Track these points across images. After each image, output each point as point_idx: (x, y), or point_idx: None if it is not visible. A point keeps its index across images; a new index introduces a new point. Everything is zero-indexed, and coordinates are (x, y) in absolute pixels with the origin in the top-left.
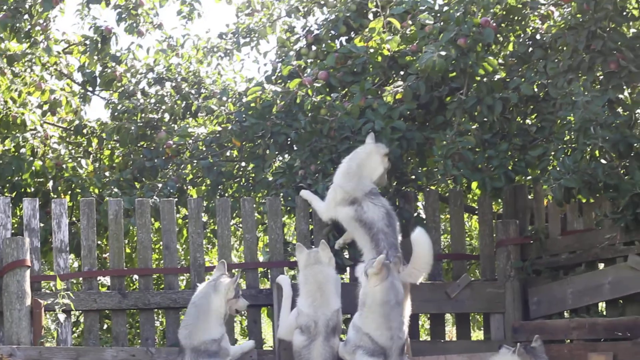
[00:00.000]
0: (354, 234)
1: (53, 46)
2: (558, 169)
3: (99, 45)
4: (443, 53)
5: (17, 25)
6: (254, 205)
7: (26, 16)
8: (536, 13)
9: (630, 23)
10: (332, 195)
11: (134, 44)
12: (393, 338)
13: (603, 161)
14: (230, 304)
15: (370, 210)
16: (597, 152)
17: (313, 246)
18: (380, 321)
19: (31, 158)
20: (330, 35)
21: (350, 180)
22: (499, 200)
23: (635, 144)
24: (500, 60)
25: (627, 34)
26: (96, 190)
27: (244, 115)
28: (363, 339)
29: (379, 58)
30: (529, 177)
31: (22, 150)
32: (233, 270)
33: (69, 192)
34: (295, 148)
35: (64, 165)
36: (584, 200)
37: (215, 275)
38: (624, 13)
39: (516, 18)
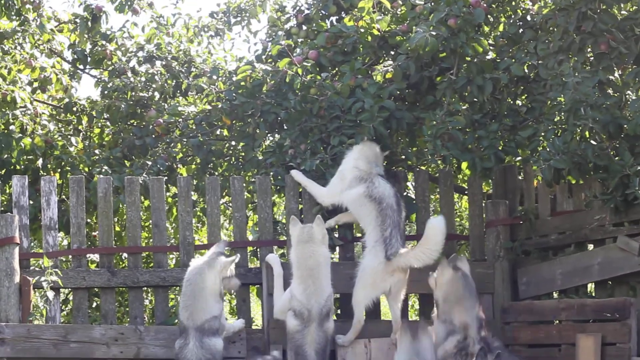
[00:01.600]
0: (360, 212)
1: (46, 23)
2: (548, 149)
3: (89, 23)
4: (434, 33)
5: (9, 2)
6: (244, 184)
7: None
8: None
9: (621, 4)
10: (339, 178)
11: (129, 21)
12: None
13: (593, 142)
14: (225, 283)
15: (381, 186)
16: (587, 133)
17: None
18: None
19: (20, 135)
20: (320, 14)
21: (364, 162)
22: (489, 180)
23: (625, 125)
24: (490, 41)
25: (617, 15)
26: (86, 169)
27: (234, 94)
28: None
29: (369, 38)
30: (519, 158)
31: (12, 127)
32: (225, 249)
33: (59, 170)
34: (285, 127)
35: (53, 143)
36: (573, 182)
37: (211, 252)
38: None
39: None
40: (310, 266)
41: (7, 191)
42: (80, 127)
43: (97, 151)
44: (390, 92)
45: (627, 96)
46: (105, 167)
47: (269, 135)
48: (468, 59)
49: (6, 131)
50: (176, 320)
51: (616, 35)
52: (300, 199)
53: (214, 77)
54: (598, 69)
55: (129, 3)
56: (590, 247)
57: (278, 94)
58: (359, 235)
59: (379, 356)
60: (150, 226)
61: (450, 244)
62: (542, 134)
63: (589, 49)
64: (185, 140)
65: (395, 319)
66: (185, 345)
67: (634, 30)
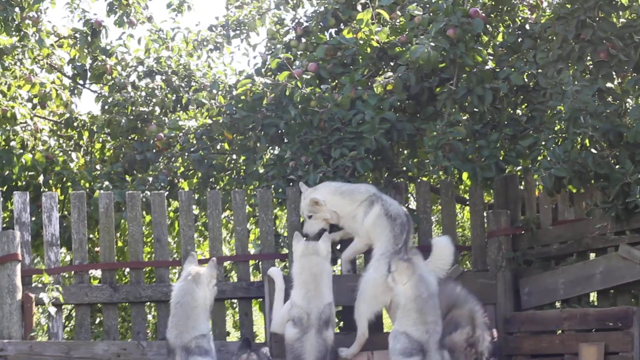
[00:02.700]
0: (375, 228)
1: (45, 38)
2: (548, 158)
3: (89, 38)
4: (433, 44)
5: (8, 18)
6: (245, 198)
7: (17, 9)
8: (525, 3)
9: (620, 12)
10: (351, 219)
11: (125, 34)
12: (429, 332)
13: (594, 151)
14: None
15: (394, 204)
16: (587, 141)
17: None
18: (416, 317)
19: (21, 151)
20: (319, 27)
21: (363, 187)
22: (490, 190)
23: (625, 133)
24: (489, 51)
25: (616, 23)
26: (87, 184)
27: (234, 108)
28: (400, 339)
29: (368, 49)
30: (520, 167)
31: (12, 143)
32: (225, 263)
33: (60, 186)
34: (285, 140)
35: (54, 159)
36: (574, 190)
37: (188, 269)
38: (614, 2)
39: (505, 8)
40: (314, 272)
41: (9, 207)
42: (81, 142)
43: (98, 166)
44: (391, 104)
45: (626, 104)
46: (107, 183)
47: (269, 148)
48: (468, 69)
49: (7, 147)
50: None
51: (615, 43)
52: None
53: (214, 91)
54: (598, 77)
55: (127, 17)
56: (592, 256)
57: (278, 107)
58: None
59: None
60: (152, 241)
61: None
62: (543, 143)
63: (589, 57)
64: (186, 154)
65: None
66: None
67: (633, 38)
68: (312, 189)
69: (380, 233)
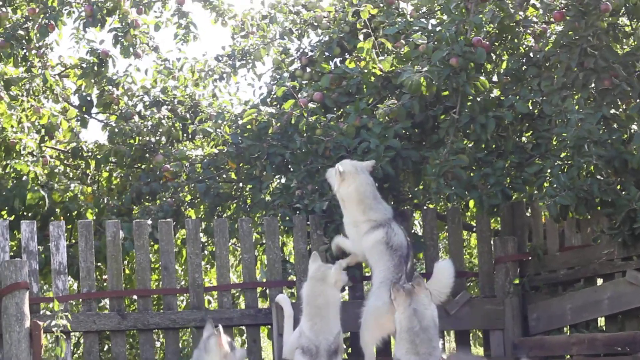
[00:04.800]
0: (373, 255)
1: (49, 75)
2: (554, 185)
3: (96, 68)
4: (421, 72)
5: (13, 53)
6: (252, 226)
7: (23, 42)
8: (529, 31)
9: (624, 40)
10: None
11: (132, 65)
12: None
13: (599, 177)
14: (229, 358)
15: (399, 234)
16: (592, 168)
17: None
18: (408, 347)
19: (32, 185)
20: (324, 56)
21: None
22: (497, 217)
23: (630, 160)
24: (494, 78)
25: (619, 51)
26: (92, 216)
27: (240, 138)
28: None
29: (372, 78)
30: (526, 194)
31: (24, 178)
32: (232, 291)
33: (67, 215)
34: (291, 169)
35: (58, 189)
36: (581, 217)
37: (205, 336)
38: (616, 30)
39: (509, 36)
40: (319, 305)
41: (17, 236)
42: (88, 172)
43: (106, 199)
44: (396, 132)
45: (631, 130)
46: (114, 217)
47: (275, 177)
48: (471, 97)
49: (15, 181)
50: None
51: (618, 71)
52: (308, 240)
53: (220, 121)
54: (602, 104)
55: (133, 48)
56: (600, 281)
57: (284, 136)
58: (367, 274)
59: None
60: (160, 269)
61: (459, 281)
62: (549, 170)
63: (593, 85)
64: (192, 184)
65: None
66: None
67: (636, 67)
68: (361, 167)
69: (379, 260)
